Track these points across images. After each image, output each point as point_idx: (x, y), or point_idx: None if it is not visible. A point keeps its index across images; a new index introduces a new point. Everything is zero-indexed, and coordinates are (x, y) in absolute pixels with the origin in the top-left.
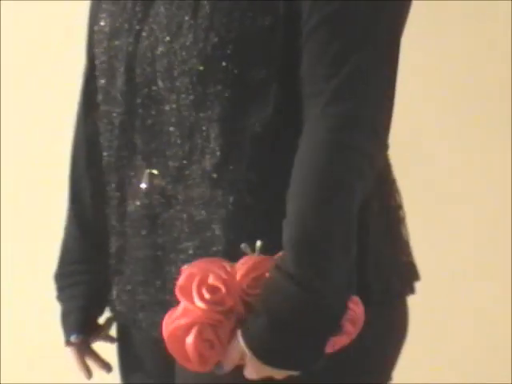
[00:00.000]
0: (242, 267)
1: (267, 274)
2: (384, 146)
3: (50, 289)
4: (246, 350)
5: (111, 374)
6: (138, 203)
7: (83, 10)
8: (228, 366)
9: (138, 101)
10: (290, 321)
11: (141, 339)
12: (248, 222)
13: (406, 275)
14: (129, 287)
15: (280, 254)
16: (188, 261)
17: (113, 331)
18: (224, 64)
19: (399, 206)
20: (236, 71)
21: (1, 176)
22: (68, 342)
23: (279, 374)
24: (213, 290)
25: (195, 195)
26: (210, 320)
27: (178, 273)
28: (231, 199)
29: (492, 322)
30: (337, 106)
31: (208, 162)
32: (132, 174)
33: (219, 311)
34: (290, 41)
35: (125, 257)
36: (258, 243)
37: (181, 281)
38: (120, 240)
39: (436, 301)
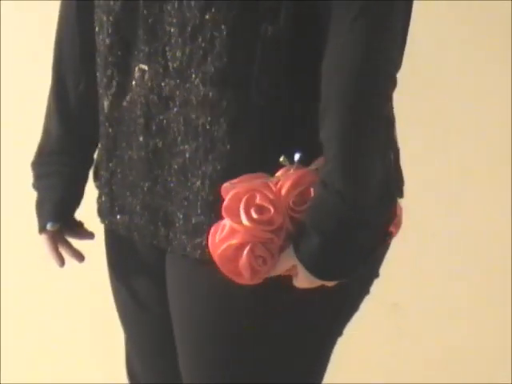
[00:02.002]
0: (285, 183)
1: (311, 189)
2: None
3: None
4: (299, 266)
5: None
6: (133, 103)
7: None
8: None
9: None
10: (340, 237)
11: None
12: (256, 125)
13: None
14: (117, 189)
15: (315, 164)
16: (184, 164)
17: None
18: None
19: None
20: None
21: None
22: (43, 230)
23: (331, 282)
24: (261, 210)
25: (195, 98)
26: (261, 238)
27: (171, 176)
28: (234, 102)
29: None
30: (366, 19)
31: (212, 66)
32: (128, 72)
33: (269, 230)
34: None
35: (116, 158)
36: (297, 156)
37: (226, 201)
38: (112, 140)
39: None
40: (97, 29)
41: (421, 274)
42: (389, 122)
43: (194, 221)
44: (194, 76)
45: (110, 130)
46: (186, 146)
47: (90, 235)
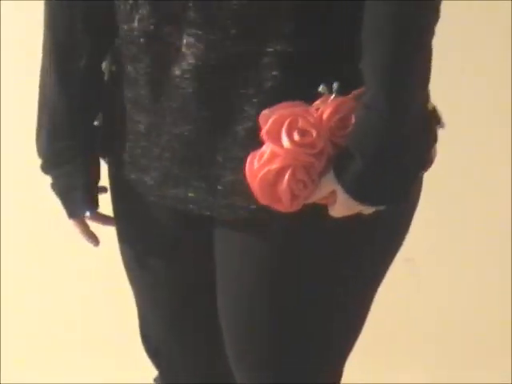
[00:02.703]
0: (327, 109)
1: (352, 116)
2: None
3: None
4: (340, 190)
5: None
6: (182, 74)
7: None
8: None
9: None
10: (383, 159)
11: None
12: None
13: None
14: (169, 164)
15: (355, 93)
16: (247, 131)
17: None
18: None
19: None
20: None
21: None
22: (76, 216)
23: (368, 209)
24: (303, 133)
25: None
26: (303, 162)
27: (229, 145)
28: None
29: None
30: None
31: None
32: (176, 41)
33: (311, 154)
34: None
35: (154, 133)
36: (335, 85)
37: (268, 125)
38: (152, 115)
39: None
40: None
41: (435, 229)
42: (431, 55)
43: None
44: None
45: (159, 105)
46: (245, 114)
47: (112, 221)
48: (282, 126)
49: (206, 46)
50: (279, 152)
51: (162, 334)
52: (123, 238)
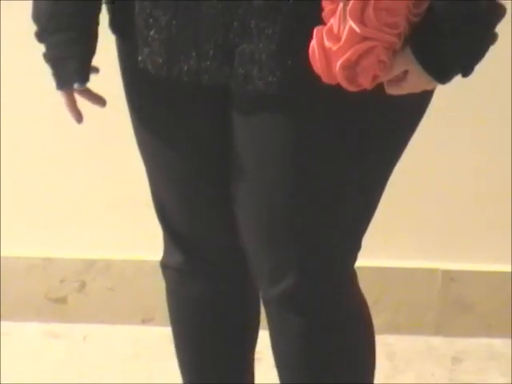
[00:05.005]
0: None
1: None
2: None
3: None
4: (414, 66)
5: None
6: None
7: None
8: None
9: None
10: (458, 33)
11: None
12: None
13: None
14: (180, 34)
15: None
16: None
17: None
18: None
19: None
20: None
21: None
22: (65, 88)
23: (431, 85)
24: (387, 14)
25: None
26: (386, 43)
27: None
28: None
29: None
30: None
31: None
32: None
33: (395, 34)
34: None
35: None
36: None
37: (351, 4)
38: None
39: None
40: None
41: None
42: None
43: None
44: None
45: None
46: None
47: (103, 101)
48: (365, 7)
49: None
50: (364, 32)
51: (174, 208)
52: (137, 117)
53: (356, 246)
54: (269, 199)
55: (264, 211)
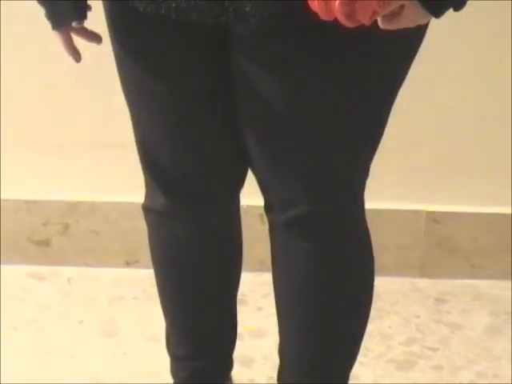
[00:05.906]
0: None
1: None
2: None
3: None
4: (411, 2)
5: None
6: None
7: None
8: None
9: None
10: None
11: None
12: None
13: None
14: None
15: None
16: None
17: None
18: None
19: None
20: None
21: None
22: (62, 27)
23: (425, 19)
24: None
25: None
26: None
27: None
28: None
29: None
30: None
31: None
32: None
33: None
34: None
35: None
36: None
37: None
38: None
39: None
40: None
41: None
42: None
43: None
44: None
45: None
46: None
47: (99, 38)
48: None
49: None
50: None
51: (162, 147)
52: (123, 54)
53: (365, 173)
54: (280, 129)
55: (276, 141)
